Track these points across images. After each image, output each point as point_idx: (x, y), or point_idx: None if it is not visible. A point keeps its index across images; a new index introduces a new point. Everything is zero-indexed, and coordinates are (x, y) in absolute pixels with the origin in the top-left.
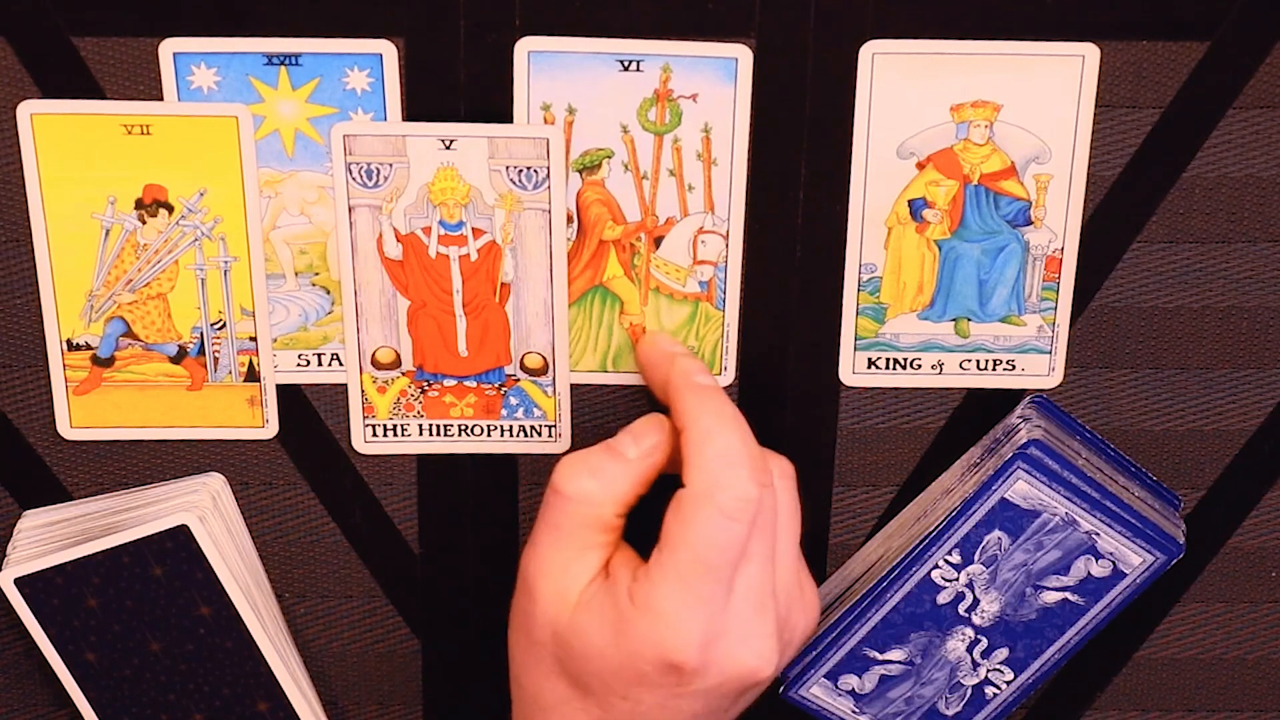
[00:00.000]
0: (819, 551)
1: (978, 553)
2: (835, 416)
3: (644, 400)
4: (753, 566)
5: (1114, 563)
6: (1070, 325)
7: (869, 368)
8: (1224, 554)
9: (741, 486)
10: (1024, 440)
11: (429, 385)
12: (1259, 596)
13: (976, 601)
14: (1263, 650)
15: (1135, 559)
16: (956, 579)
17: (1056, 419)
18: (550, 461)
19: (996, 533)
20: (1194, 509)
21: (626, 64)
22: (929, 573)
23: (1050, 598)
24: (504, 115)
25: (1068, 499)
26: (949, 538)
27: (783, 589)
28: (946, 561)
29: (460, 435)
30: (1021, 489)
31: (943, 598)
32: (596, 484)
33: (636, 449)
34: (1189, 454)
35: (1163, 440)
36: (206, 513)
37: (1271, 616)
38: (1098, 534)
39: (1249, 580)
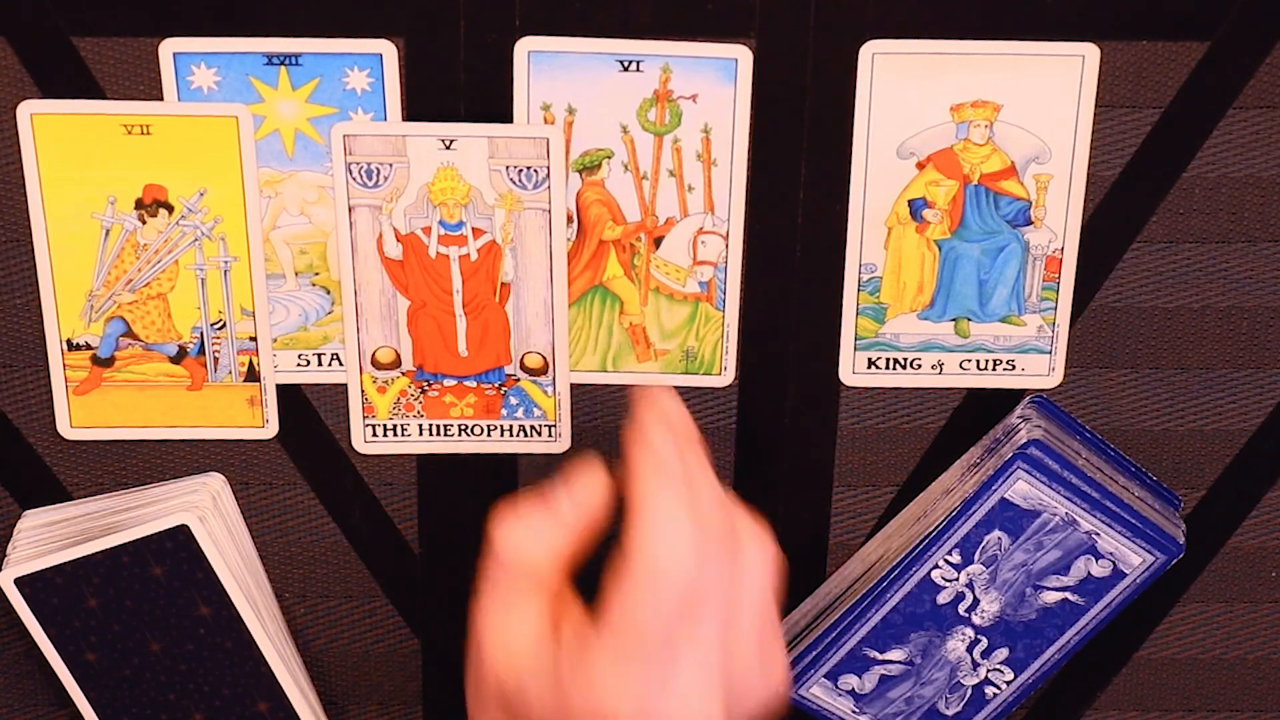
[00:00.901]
0: (819, 551)
1: (978, 553)
2: (835, 416)
3: None
4: (702, 629)
5: (1114, 563)
6: (1070, 325)
7: (869, 368)
8: (1224, 554)
9: (676, 555)
10: (1024, 440)
11: (429, 385)
12: (1259, 596)
13: (976, 601)
14: (1263, 650)
15: (1135, 559)
16: (956, 579)
17: (1057, 419)
18: (550, 461)
19: (996, 533)
20: (1194, 509)
21: (626, 64)
22: (929, 573)
23: (1050, 598)
24: (504, 115)
25: (1068, 499)
26: (949, 538)
27: (740, 658)
28: (946, 561)
29: (460, 435)
30: (1021, 489)
31: (943, 598)
32: (534, 546)
33: (572, 507)
34: (1189, 454)
35: (1163, 440)
36: (206, 513)
37: (1271, 616)
38: (1098, 534)
39: (1249, 580)
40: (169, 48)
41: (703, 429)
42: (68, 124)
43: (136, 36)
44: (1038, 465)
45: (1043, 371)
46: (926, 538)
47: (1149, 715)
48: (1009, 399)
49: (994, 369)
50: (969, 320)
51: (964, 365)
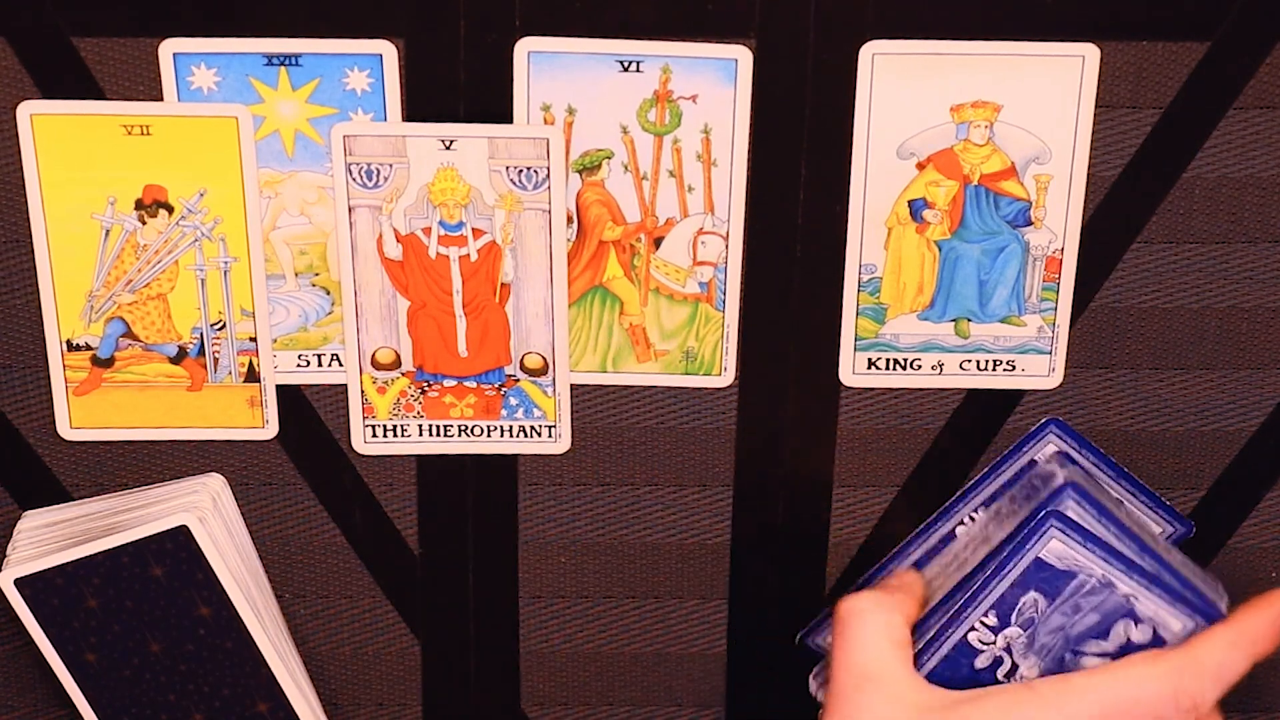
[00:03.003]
0: (819, 551)
1: (1014, 615)
2: (835, 416)
3: (644, 401)
4: None
5: (1154, 627)
6: (1070, 325)
7: (869, 368)
8: (1224, 554)
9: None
10: (1058, 485)
11: (429, 386)
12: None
13: (1015, 667)
14: None
15: (1175, 624)
16: (994, 642)
17: (1078, 445)
18: (550, 462)
19: (1032, 594)
20: (1194, 509)
21: (626, 64)
22: (965, 635)
23: (1090, 664)
24: (504, 115)
25: (1103, 559)
26: (984, 598)
27: None
28: (983, 624)
29: (460, 435)
30: (1055, 549)
31: (980, 662)
32: (880, 596)
33: (898, 581)
34: (1189, 454)
35: (1162, 440)
36: (206, 513)
37: None
38: (1136, 597)
39: (1249, 580)
40: (169, 48)
41: (703, 429)
42: (68, 124)
43: (136, 36)
44: (1070, 524)
45: (1043, 372)
46: (962, 597)
47: None
48: (1009, 399)
49: (994, 369)
50: (969, 321)
51: (964, 366)
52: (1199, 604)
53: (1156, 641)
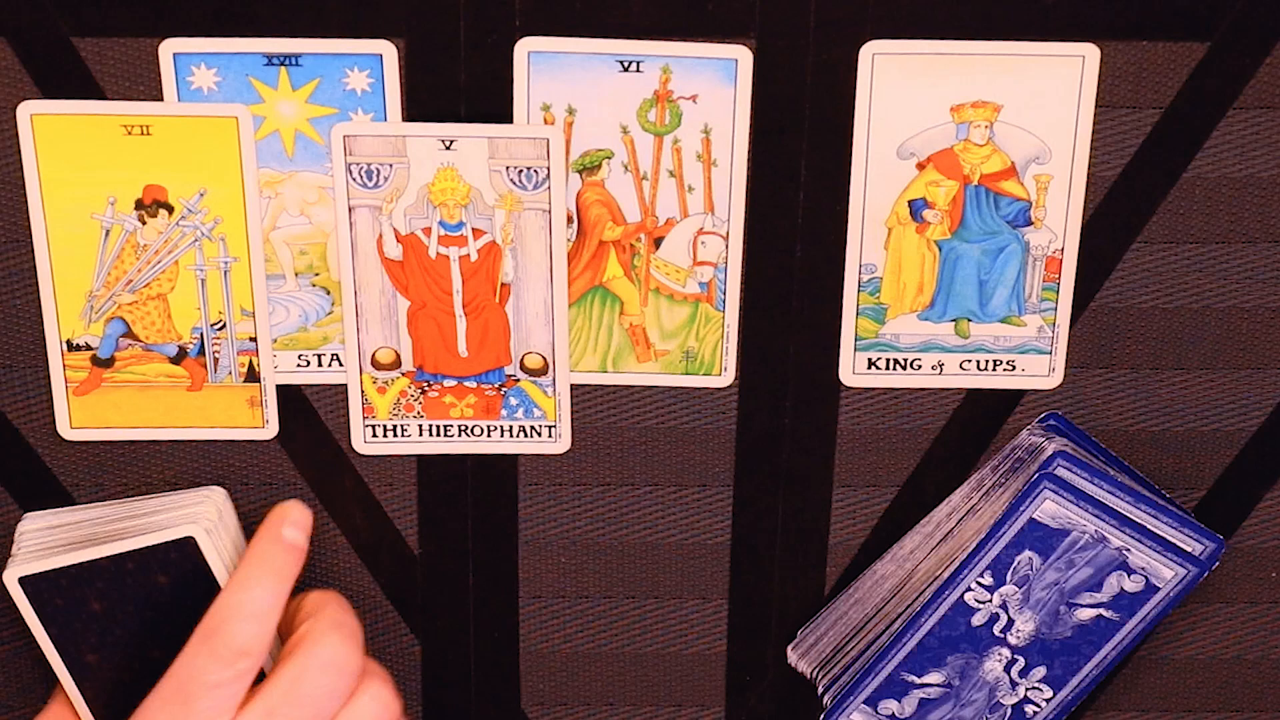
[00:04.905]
0: (819, 551)
1: (1009, 573)
2: (835, 416)
3: (644, 401)
4: None
5: (1146, 577)
6: (1070, 325)
7: (869, 368)
8: (1224, 554)
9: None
10: (1049, 456)
11: (429, 386)
12: (1259, 596)
13: (1011, 622)
14: (1262, 650)
15: (1167, 572)
16: (990, 600)
17: (1075, 438)
18: (550, 462)
19: (1027, 553)
20: (1194, 509)
21: (626, 64)
22: (962, 595)
23: (1084, 614)
24: (504, 115)
25: (1096, 516)
26: (979, 560)
27: None
28: (979, 584)
29: (460, 435)
30: (1049, 509)
31: (977, 619)
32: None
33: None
34: (1189, 454)
35: (1163, 440)
36: (213, 525)
37: (1271, 616)
38: (1128, 549)
39: (1249, 580)
40: (169, 48)
41: (703, 429)
42: (68, 124)
43: (136, 36)
44: (1063, 484)
45: (1043, 372)
46: (958, 560)
47: (1148, 715)
48: (1009, 399)
49: (994, 369)
50: (969, 321)
51: (964, 366)
52: (1188, 550)
53: (1149, 590)
